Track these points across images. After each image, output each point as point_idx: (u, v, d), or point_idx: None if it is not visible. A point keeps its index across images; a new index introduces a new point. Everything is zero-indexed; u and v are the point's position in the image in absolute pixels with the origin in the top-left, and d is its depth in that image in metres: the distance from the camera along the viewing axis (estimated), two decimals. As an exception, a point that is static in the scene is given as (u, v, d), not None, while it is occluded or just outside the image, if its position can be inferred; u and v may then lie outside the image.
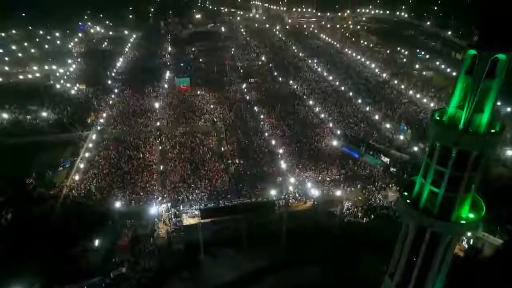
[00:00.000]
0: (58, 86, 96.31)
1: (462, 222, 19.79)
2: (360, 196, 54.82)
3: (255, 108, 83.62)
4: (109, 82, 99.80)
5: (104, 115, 79.60)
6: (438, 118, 19.40)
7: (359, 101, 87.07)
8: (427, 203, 20.12)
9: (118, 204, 49.67)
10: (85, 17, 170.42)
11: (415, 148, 65.77)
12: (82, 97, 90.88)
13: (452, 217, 19.59)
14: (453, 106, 18.36)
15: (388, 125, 75.18)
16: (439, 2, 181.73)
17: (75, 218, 47.81)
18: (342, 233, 46.68)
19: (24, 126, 76.60)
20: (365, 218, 49.04)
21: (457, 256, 37.58)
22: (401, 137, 70.69)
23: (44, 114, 79.87)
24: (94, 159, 64.31)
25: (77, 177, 58.60)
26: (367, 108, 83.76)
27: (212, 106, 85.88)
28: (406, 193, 21.26)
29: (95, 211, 49.85)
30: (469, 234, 43.30)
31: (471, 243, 43.65)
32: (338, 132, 72.00)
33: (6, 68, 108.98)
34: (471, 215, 20.07)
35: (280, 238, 44.82)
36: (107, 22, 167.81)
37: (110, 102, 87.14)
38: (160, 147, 67.25)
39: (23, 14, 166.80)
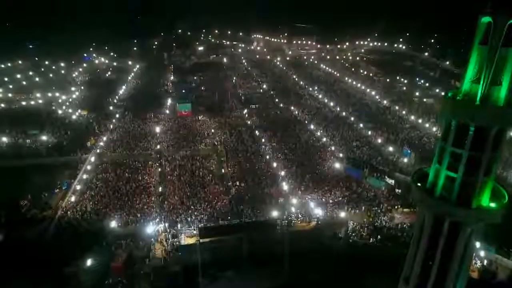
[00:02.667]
0: (60, 111, 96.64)
1: (485, 209, 17.99)
2: (365, 218, 52.83)
3: (256, 132, 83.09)
4: (111, 108, 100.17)
5: (104, 138, 79.03)
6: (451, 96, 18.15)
7: (361, 125, 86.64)
8: (444, 191, 18.42)
9: (113, 224, 47.76)
10: (91, 49, 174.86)
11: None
12: (83, 122, 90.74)
13: (472, 205, 17.87)
14: (468, 81, 17.19)
15: (391, 148, 74.20)
16: (435, 35, 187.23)
17: (68, 239, 45.82)
18: (347, 255, 44.39)
19: (23, 149, 75.88)
20: (371, 239, 46.83)
21: (471, 278, 35.36)
22: (405, 160, 69.44)
23: (44, 138, 79.39)
24: (92, 181, 62.97)
25: (73, 199, 56.98)
26: (369, 133, 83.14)
27: (213, 130, 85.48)
28: (419, 183, 19.59)
29: (90, 231, 47.88)
30: (482, 253, 41.12)
31: (484, 263, 41.27)
32: (341, 155, 70.94)
33: (10, 95, 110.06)
34: (493, 204, 18.39)
35: (282, 259, 42.52)
36: (111, 54, 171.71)
37: (111, 126, 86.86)
38: (159, 169, 66.02)
39: (31, 46, 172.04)
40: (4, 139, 78.93)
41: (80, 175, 64.32)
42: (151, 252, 44.09)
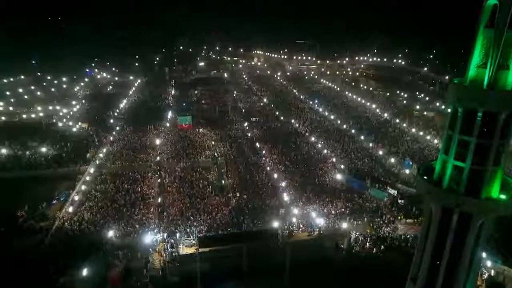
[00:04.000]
0: (60, 124, 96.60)
1: (495, 198, 17.19)
2: (368, 229, 51.83)
3: (257, 144, 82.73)
4: (111, 121, 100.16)
5: (104, 150, 78.64)
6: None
7: (362, 138, 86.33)
8: (452, 183, 17.67)
9: (111, 234, 46.81)
10: (93, 64, 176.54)
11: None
12: (83, 135, 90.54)
13: (481, 195, 17.11)
14: (474, 67, 16.69)
15: (392, 160, 73.63)
16: (434, 51, 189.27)
17: (64, 249, 44.84)
18: (349, 266, 43.27)
19: (22, 161, 75.42)
20: (374, 249, 45.74)
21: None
22: (407, 171, 68.76)
23: (44, 149, 79.03)
24: (90, 192, 62.25)
25: (71, 209, 56.18)
26: (370, 145, 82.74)
27: (213, 142, 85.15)
28: (425, 176, 18.89)
29: (87, 241, 46.87)
30: (488, 264, 40.05)
31: (492, 274, 40.14)
32: (342, 166, 70.33)
33: (11, 108, 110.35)
34: (502, 196, 17.59)
35: (283, 270, 41.42)
36: (113, 69, 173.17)
37: (111, 138, 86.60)
38: (159, 180, 65.36)
39: (33, 62, 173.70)
40: (4, 150, 78.54)
41: (79, 186, 63.68)
42: (149, 263, 43.01)
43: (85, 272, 39.48)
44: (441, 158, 18.42)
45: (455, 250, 17.94)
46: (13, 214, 55.19)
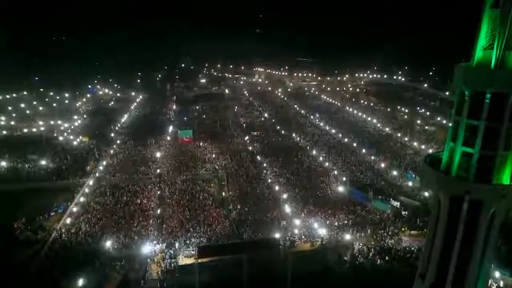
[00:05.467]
0: (61, 138, 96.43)
1: (507, 184, 16.38)
2: (373, 241, 50.63)
3: (258, 157, 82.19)
4: (112, 135, 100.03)
5: (104, 163, 78.12)
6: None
7: (363, 151, 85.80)
8: (460, 171, 16.95)
9: (108, 244, 45.78)
10: (95, 81, 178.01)
11: (426, 194, 62.69)
12: (84, 148, 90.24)
13: (492, 181, 16.33)
14: (480, 49, 16.29)
15: (395, 173, 72.89)
16: (433, 68, 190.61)
17: (61, 260, 43.79)
18: (354, 278, 42.06)
19: (21, 173, 74.86)
20: (379, 260, 44.50)
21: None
22: (410, 183, 67.91)
23: (43, 162, 78.53)
24: (89, 204, 61.41)
25: (68, 221, 55.23)
26: (372, 158, 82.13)
27: (214, 155, 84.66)
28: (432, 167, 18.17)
29: (83, 251, 45.82)
30: (497, 275, 38.83)
31: (500, 285, 38.88)
32: (344, 179, 69.54)
33: (12, 122, 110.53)
34: None
35: (284, 281, 40.20)
36: (115, 85, 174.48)
37: (111, 151, 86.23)
38: (159, 192, 64.59)
39: (36, 78, 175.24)
40: (3, 163, 78.13)
41: (77, 198, 62.91)
42: (146, 274, 41.84)
43: (80, 283, 38.33)
44: (449, 146, 17.73)
45: (466, 243, 16.99)
46: (10, 225, 54.34)
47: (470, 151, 17.04)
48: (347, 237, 49.86)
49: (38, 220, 56.50)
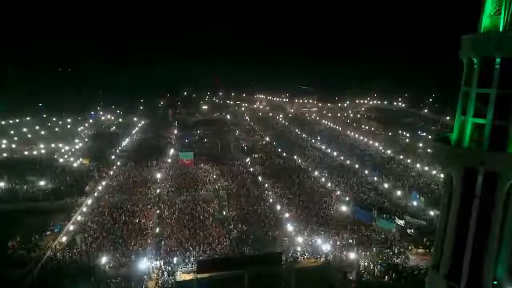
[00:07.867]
0: (61, 160, 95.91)
1: None
2: (379, 260, 48.73)
3: (259, 178, 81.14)
4: (113, 157, 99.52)
5: (103, 183, 77.10)
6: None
7: (366, 172, 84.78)
8: (472, 144, 16.10)
9: (104, 260, 44.10)
10: (98, 107, 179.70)
11: (431, 213, 61.22)
12: (84, 169, 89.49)
13: (507, 150, 15.32)
14: (487, 16, 15.83)
15: (399, 193, 71.56)
16: (433, 95, 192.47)
17: (54, 278, 42.07)
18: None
19: (19, 194, 73.82)
20: (386, 277, 42.58)
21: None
22: (415, 203, 66.47)
23: (42, 183, 77.60)
24: (86, 224, 59.97)
25: (64, 239, 53.70)
26: (375, 179, 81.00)
27: (215, 177, 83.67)
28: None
29: (78, 268, 44.10)
30: None
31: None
32: (347, 198, 68.21)
33: (13, 145, 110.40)
34: None
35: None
36: (118, 111, 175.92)
37: (111, 173, 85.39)
38: (158, 212, 63.21)
39: (40, 104, 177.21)
40: (2, 184, 77.25)
41: (75, 217, 61.56)
42: (143, 291, 40.03)
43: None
44: (459, 120, 17.02)
45: (481, 223, 15.80)
46: (4, 244, 52.90)
47: (482, 122, 16.30)
48: (352, 255, 48.09)
49: (34, 239, 54.99)
